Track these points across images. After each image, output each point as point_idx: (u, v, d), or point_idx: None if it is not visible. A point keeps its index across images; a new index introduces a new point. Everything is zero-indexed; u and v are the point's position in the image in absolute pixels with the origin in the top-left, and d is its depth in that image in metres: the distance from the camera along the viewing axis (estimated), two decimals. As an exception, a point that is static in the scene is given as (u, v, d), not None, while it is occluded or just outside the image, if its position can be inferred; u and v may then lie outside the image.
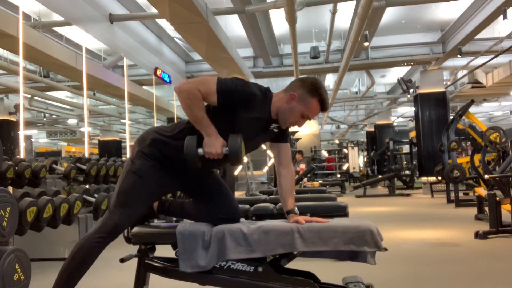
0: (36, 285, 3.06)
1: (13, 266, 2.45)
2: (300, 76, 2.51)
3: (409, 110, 18.65)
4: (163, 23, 9.61)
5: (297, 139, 13.91)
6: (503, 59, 11.09)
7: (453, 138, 9.34)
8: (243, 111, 2.06)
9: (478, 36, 9.89)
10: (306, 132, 17.50)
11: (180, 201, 2.43)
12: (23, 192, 3.77)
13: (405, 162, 17.87)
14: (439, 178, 10.47)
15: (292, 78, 12.44)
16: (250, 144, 2.22)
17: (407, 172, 15.25)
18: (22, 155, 6.02)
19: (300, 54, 10.31)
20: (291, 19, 7.27)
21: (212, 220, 2.20)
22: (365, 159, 23.88)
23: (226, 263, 2.07)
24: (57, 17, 8.27)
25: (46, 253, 4.35)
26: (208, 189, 2.29)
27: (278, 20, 9.36)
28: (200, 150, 2.02)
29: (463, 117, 9.50)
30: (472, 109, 9.88)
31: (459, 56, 10.68)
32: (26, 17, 8.11)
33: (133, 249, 2.22)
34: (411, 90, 12.73)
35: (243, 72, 10.41)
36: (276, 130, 2.21)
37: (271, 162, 9.76)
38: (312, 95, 2.11)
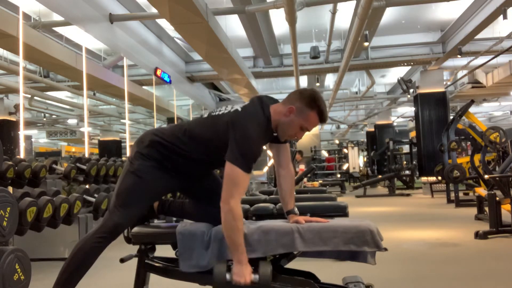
0: (36, 285, 3.06)
1: (13, 266, 2.45)
2: (299, 88, 2.51)
3: (409, 110, 18.65)
4: (163, 23, 9.61)
5: (296, 140, 13.91)
6: (503, 59, 11.08)
7: (453, 138, 9.34)
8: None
9: (478, 36, 9.89)
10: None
11: (180, 201, 2.43)
12: (23, 192, 3.77)
13: (405, 162, 17.88)
14: (439, 178, 10.48)
15: (292, 78, 12.45)
16: None
17: (407, 172, 15.25)
18: (22, 155, 6.02)
19: (300, 54, 10.31)
20: (291, 19, 7.27)
21: (212, 220, 2.20)
22: (365, 159, 23.88)
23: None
24: (57, 17, 8.27)
25: (46, 253, 4.35)
26: (208, 189, 2.29)
27: (278, 20, 9.36)
28: (228, 277, 1.99)
29: (463, 117, 9.51)
30: (472, 109, 9.89)
31: (459, 56, 10.67)
32: (26, 17, 8.11)
33: (133, 249, 2.22)
34: (411, 90, 12.73)
35: (243, 72, 10.41)
36: (275, 134, 2.21)
37: (271, 162, 9.76)
38: (311, 108, 2.10)
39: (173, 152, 2.13)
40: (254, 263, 2.05)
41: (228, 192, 1.97)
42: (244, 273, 1.97)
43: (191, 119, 2.51)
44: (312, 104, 2.10)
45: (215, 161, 2.18)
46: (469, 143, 10.18)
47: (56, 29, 9.40)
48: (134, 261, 2.21)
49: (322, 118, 2.13)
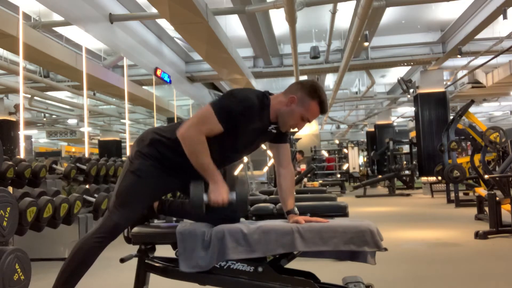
0: (36, 285, 3.06)
1: (13, 266, 2.45)
2: (299, 79, 2.50)
3: (409, 110, 18.65)
4: (163, 23, 9.61)
5: (297, 139, 13.93)
6: (503, 59, 11.09)
7: (453, 138, 9.34)
8: (243, 124, 2.07)
9: (478, 36, 9.89)
10: (306, 132, 17.51)
11: (180, 201, 2.43)
12: (23, 192, 3.78)
13: (405, 162, 17.87)
14: (439, 178, 10.47)
15: (292, 78, 12.47)
16: (250, 147, 2.23)
17: (407, 172, 15.25)
18: (22, 155, 6.02)
19: (300, 54, 10.31)
20: (291, 19, 7.27)
21: (212, 220, 2.20)
22: (365, 159, 23.88)
23: (226, 263, 2.07)
24: (57, 17, 8.27)
25: (46, 253, 4.35)
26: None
27: (278, 20, 9.36)
28: (205, 198, 2.01)
29: (463, 117, 9.50)
30: (472, 109, 9.88)
31: (459, 56, 10.68)
32: (26, 17, 8.10)
33: (133, 249, 2.22)
34: (411, 90, 12.73)
35: (243, 72, 10.41)
36: (274, 131, 2.21)
37: (271, 162, 9.77)
38: (312, 97, 2.11)
39: (174, 151, 2.12)
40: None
41: (189, 121, 2.02)
42: (220, 191, 2.00)
43: (191, 119, 2.49)
44: (313, 94, 2.11)
45: (215, 160, 2.18)
46: (469, 143, 10.17)
47: (56, 29, 9.40)
48: (134, 261, 2.21)
49: (323, 108, 2.14)
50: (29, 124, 17.49)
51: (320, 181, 14.12)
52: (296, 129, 2.23)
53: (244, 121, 2.05)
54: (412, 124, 18.79)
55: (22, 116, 6.46)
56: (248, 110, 2.04)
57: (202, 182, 2.05)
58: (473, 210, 6.81)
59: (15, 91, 11.22)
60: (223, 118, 2.00)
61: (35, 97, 12.70)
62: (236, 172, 9.05)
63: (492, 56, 10.07)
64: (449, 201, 9.56)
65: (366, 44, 9.58)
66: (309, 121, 2.18)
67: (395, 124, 21.06)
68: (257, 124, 2.11)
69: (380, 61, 11.86)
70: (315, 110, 2.13)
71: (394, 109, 19.52)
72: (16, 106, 11.95)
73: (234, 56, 9.28)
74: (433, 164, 11.34)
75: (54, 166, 5.14)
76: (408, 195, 12.68)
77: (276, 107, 2.13)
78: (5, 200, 2.63)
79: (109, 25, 7.90)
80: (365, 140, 22.70)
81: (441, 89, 12.77)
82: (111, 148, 19.46)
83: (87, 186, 5.20)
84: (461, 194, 9.68)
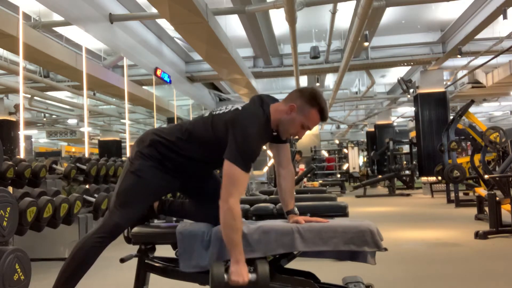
0: (36, 285, 3.06)
1: (13, 266, 2.46)
2: (299, 86, 2.50)
3: (409, 110, 18.65)
4: (163, 23, 9.61)
5: (297, 139, 13.92)
6: (503, 59, 11.08)
7: (453, 138, 9.34)
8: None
9: (478, 36, 9.88)
10: (306, 132, 17.49)
11: (180, 201, 2.43)
12: (23, 192, 3.78)
13: (405, 162, 17.87)
14: (439, 178, 10.47)
15: (292, 78, 12.46)
16: None
17: (407, 172, 15.25)
18: (22, 155, 6.02)
19: (300, 54, 10.30)
20: (291, 19, 7.27)
21: (212, 220, 2.20)
22: (365, 159, 23.88)
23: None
24: (57, 17, 8.27)
25: (46, 253, 4.36)
26: (208, 189, 2.29)
27: (278, 20, 9.36)
28: (225, 277, 1.97)
29: (463, 117, 9.50)
30: (472, 109, 9.88)
31: (459, 56, 10.67)
32: (26, 17, 8.10)
33: (133, 249, 2.22)
34: (411, 90, 12.73)
35: (243, 72, 10.41)
36: (275, 133, 2.21)
37: (271, 162, 9.76)
38: (312, 105, 2.11)
39: (174, 152, 2.13)
40: (252, 263, 2.05)
41: (227, 191, 1.97)
42: (242, 272, 1.96)
43: (191, 119, 2.50)
44: (313, 102, 2.11)
45: (215, 161, 2.18)
46: (469, 143, 10.18)
47: (56, 29, 9.40)
48: (134, 261, 2.21)
49: (323, 116, 2.14)
50: (29, 124, 17.49)
51: (320, 181, 14.12)
52: (297, 137, 2.23)
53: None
54: (412, 124, 18.78)
55: (22, 116, 6.46)
56: (262, 140, 2.09)
57: (223, 263, 2.01)
58: (473, 210, 6.81)
59: (15, 91, 11.22)
60: (249, 167, 2.01)
61: (35, 97, 12.70)
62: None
63: (492, 56, 10.07)
64: (449, 201, 9.56)
65: (366, 44, 9.57)
66: (310, 129, 2.18)
67: (395, 124, 21.06)
68: (264, 140, 2.16)
69: (380, 61, 11.86)
70: (315, 118, 2.13)
71: (394, 109, 19.52)
72: (16, 106, 11.95)
73: (234, 56, 9.28)
74: (433, 164, 11.34)
75: (54, 166, 5.14)
76: (408, 195, 12.69)
77: (276, 116, 2.12)
78: (5, 200, 2.63)
79: (109, 25, 7.90)
80: (365, 140, 22.69)
81: (441, 89, 12.77)
82: (111, 148, 19.46)
83: (87, 186, 5.20)
84: (461, 194, 9.69)
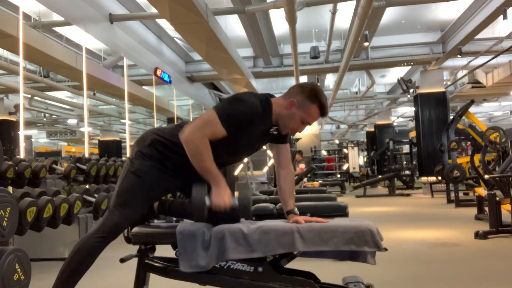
0: (36, 285, 3.06)
1: (13, 266, 2.45)
2: (300, 82, 2.50)
3: (409, 110, 18.65)
4: (163, 23, 9.61)
5: (297, 139, 13.94)
6: (503, 59, 11.09)
7: (453, 138, 9.34)
8: (246, 128, 2.07)
9: (478, 36, 9.89)
10: (306, 132, 17.50)
11: (180, 201, 2.43)
12: (23, 192, 3.78)
13: (405, 162, 17.87)
14: (439, 178, 10.47)
15: (292, 78, 12.47)
16: (251, 149, 2.23)
17: (407, 172, 15.25)
18: (22, 155, 6.02)
19: (300, 54, 10.31)
20: (291, 19, 7.27)
21: (212, 220, 2.20)
22: (365, 159, 23.88)
23: (226, 263, 2.07)
24: (57, 17, 8.27)
25: (46, 253, 4.35)
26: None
27: (278, 20, 9.36)
28: (208, 202, 2.01)
29: (463, 117, 9.50)
30: (472, 109, 9.88)
31: (459, 56, 10.68)
32: (26, 17, 8.10)
33: (133, 249, 2.22)
34: (411, 90, 12.73)
35: (243, 72, 10.41)
36: (275, 133, 2.21)
37: (271, 162, 9.76)
38: (312, 101, 2.11)
39: (174, 152, 2.13)
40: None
41: (198, 125, 2.01)
42: (223, 195, 2.00)
43: (191, 119, 2.49)
44: (313, 98, 2.11)
45: (216, 161, 2.17)
46: (469, 143, 10.18)
47: (56, 29, 9.40)
48: (134, 261, 2.21)
49: (323, 111, 2.14)
50: (29, 124, 17.49)
51: (320, 181, 14.12)
52: (296, 132, 2.23)
53: (247, 125, 2.06)
54: (412, 124, 18.78)
55: (22, 116, 6.46)
56: (251, 115, 2.05)
57: (205, 185, 2.04)
58: (473, 210, 6.81)
59: (15, 91, 11.22)
60: (227, 122, 2.01)
61: (35, 97, 12.70)
62: (236, 172, 9.07)
63: (492, 56, 10.07)
64: (449, 201, 9.56)
65: (366, 44, 9.57)
66: (309, 124, 2.18)
67: (395, 124, 21.06)
68: (260, 128, 2.12)
69: (380, 61, 11.86)
70: (315, 114, 2.14)
71: (394, 109, 19.52)
72: (16, 106, 11.94)
73: (234, 56, 9.28)
74: (433, 164, 11.34)
75: (54, 166, 5.14)
76: (408, 195, 12.68)
77: (277, 110, 2.13)
78: (5, 200, 2.63)
79: (109, 25, 7.90)
80: (365, 140, 22.70)
81: (441, 89, 12.77)
82: (111, 148, 19.46)
83: (87, 186, 5.20)
84: (461, 194, 9.69)
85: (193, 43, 8.24)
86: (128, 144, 10.48)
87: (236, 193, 2.06)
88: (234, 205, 2.02)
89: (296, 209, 2.27)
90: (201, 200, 2.00)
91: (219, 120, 2.00)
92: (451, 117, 10.29)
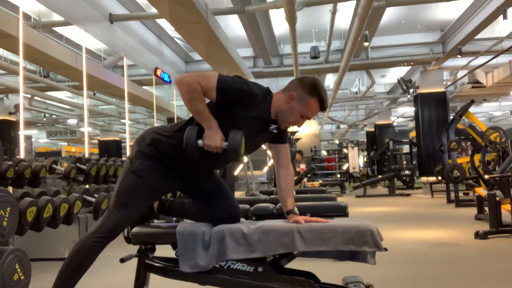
0: (36, 285, 3.06)
1: (13, 266, 2.45)
2: (299, 76, 2.49)
3: (409, 110, 18.65)
4: (163, 23, 9.61)
5: (297, 139, 13.93)
6: (503, 59, 11.09)
7: (453, 138, 9.34)
8: (243, 110, 2.06)
9: (478, 36, 9.88)
10: (306, 132, 17.51)
11: (180, 201, 2.43)
12: (23, 192, 3.78)
13: (405, 162, 17.86)
14: (439, 178, 10.47)
15: (292, 78, 12.56)
16: (250, 144, 2.22)
17: (407, 172, 15.24)
18: (22, 155, 6.02)
19: (300, 54, 10.31)
20: (291, 19, 7.27)
21: (212, 220, 2.20)
22: (365, 159, 23.87)
23: (226, 263, 2.07)
24: (57, 17, 8.27)
25: (46, 253, 4.35)
26: (208, 189, 2.28)
27: (278, 20, 9.36)
28: (200, 142, 2.02)
29: (463, 117, 9.50)
30: (472, 109, 9.88)
31: (459, 56, 10.68)
32: (26, 17, 8.11)
33: (133, 249, 2.22)
34: (411, 90, 12.73)
35: (243, 72, 10.40)
36: (275, 131, 2.21)
37: (271, 162, 9.76)
38: (312, 95, 2.11)
39: (174, 151, 2.12)
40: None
41: (195, 75, 2.02)
42: (214, 136, 2.01)
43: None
44: (313, 92, 2.11)
45: (215, 161, 2.17)
46: (469, 143, 10.18)
47: (56, 29, 9.40)
48: (134, 261, 2.21)
49: (322, 106, 2.14)
50: (29, 124, 17.49)
51: (320, 181, 14.11)
52: (295, 126, 2.23)
53: (243, 104, 2.05)
54: (412, 124, 18.78)
55: (22, 116, 6.46)
56: (248, 94, 2.05)
57: (197, 127, 2.05)
58: (473, 210, 6.81)
59: (15, 91, 11.22)
60: (222, 87, 2.00)
61: (35, 97, 12.71)
62: (236, 172, 9.07)
63: (492, 56, 10.07)
64: (449, 201, 9.56)
65: (366, 44, 9.57)
66: (309, 118, 2.18)
67: (395, 124, 21.06)
68: (256, 113, 2.10)
69: (380, 61, 11.87)
70: (315, 108, 2.14)
71: (394, 109, 19.52)
72: (16, 106, 11.94)
73: (234, 56, 9.28)
74: (433, 164, 11.34)
75: (54, 166, 5.14)
76: (408, 195, 12.68)
77: (276, 104, 2.13)
78: (5, 200, 2.63)
79: (109, 25, 7.90)
80: (365, 140, 22.69)
81: (441, 89, 12.77)
82: (111, 148, 19.46)
83: (87, 186, 5.20)
84: (461, 194, 9.68)
85: (193, 43, 8.24)
86: (128, 144, 10.48)
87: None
88: (225, 147, 2.02)
89: (296, 209, 2.27)
90: (192, 139, 2.01)
91: (217, 81, 2.01)
92: (451, 117, 10.29)
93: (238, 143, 1.99)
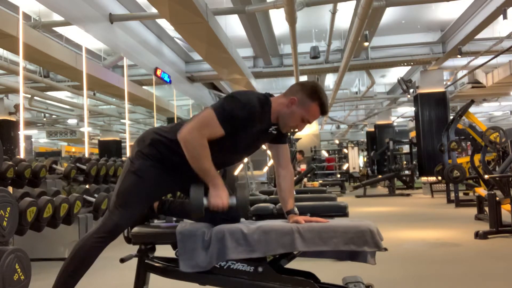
0: (36, 285, 3.06)
1: (13, 266, 2.45)
2: (300, 80, 2.50)
3: (409, 110, 18.66)
4: (163, 23, 9.61)
5: (297, 139, 13.92)
6: (503, 59, 11.09)
7: (453, 138, 9.34)
8: (245, 127, 2.07)
9: (478, 36, 9.89)
10: (306, 132, 17.52)
11: (180, 201, 2.43)
12: (23, 192, 3.78)
13: (405, 162, 17.87)
14: (439, 178, 10.47)
15: (292, 78, 12.50)
16: (250, 149, 2.23)
17: (407, 172, 15.25)
18: (22, 155, 6.02)
19: (300, 54, 10.31)
20: (291, 19, 7.27)
21: (212, 220, 2.20)
22: (365, 159, 23.87)
23: (226, 263, 2.07)
24: (57, 17, 8.27)
25: (46, 253, 4.35)
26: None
27: (278, 20, 9.37)
28: (205, 201, 2.00)
29: (463, 117, 9.50)
30: (472, 109, 9.88)
31: (459, 56, 10.68)
32: (26, 17, 8.11)
33: (133, 249, 2.22)
34: (411, 90, 12.73)
35: (243, 72, 10.41)
36: (275, 132, 2.21)
37: (271, 162, 9.76)
38: (312, 99, 2.11)
39: (174, 151, 2.12)
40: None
41: (193, 125, 2.00)
42: (221, 195, 2.00)
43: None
44: (313, 96, 2.11)
45: (216, 160, 2.17)
46: (469, 143, 10.18)
47: (56, 29, 9.41)
48: (134, 261, 2.21)
49: (323, 110, 2.14)
50: (29, 124, 17.49)
51: (320, 181, 14.11)
52: (296, 130, 2.23)
53: (246, 124, 2.05)
54: (412, 124, 18.79)
55: (22, 116, 6.46)
56: (249, 113, 2.04)
57: (203, 186, 2.04)
58: (473, 210, 6.80)
59: (15, 91, 11.22)
60: (225, 121, 2.00)
61: (35, 97, 12.71)
62: (236, 172, 9.07)
63: (492, 56, 10.07)
64: (449, 201, 9.56)
65: (366, 44, 9.58)
66: (310, 122, 2.18)
67: (395, 124, 21.07)
68: (258, 127, 2.11)
69: (380, 61, 11.87)
70: (316, 112, 2.14)
71: (394, 109, 19.53)
72: (16, 106, 11.94)
73: (234, 56, 9.28)
74: (433, 164, 11.34)
75: (54, 166, 5.14)
76: (408, 195, 12.68)
77: (276, 108, 2.13)
78: (5, 200, 2.63)
79: (109, 25, 7.91)
80: (365, 140, 22.70)
81: (441, 89, 12.77)
82: (111, 148, 19.46)
83: (87, 186, 5.20)
84: (461, 194, 9.68)
85: (193, 43, 8.24)
86: (128, 144, 10.48)
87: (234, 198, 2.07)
88: (232, 205, 2.02)
89: (296, 209, 2.27)
90: (199, 200, 2.00)
91: (217, 119, 2.00)
92: (451, 117, 10.29)
93: (245, 201, 2.00)
